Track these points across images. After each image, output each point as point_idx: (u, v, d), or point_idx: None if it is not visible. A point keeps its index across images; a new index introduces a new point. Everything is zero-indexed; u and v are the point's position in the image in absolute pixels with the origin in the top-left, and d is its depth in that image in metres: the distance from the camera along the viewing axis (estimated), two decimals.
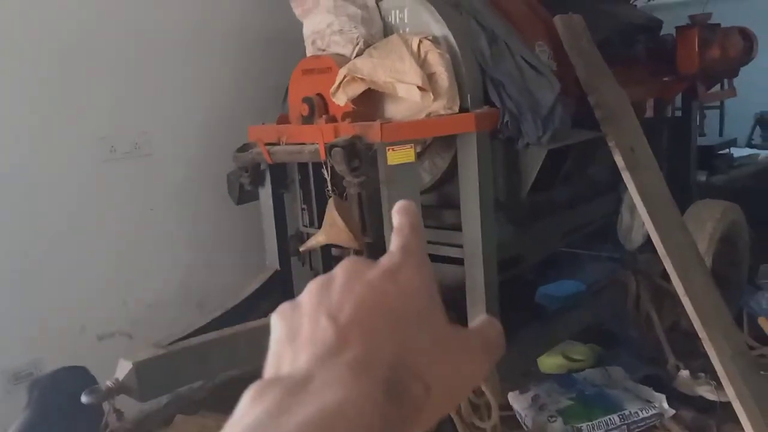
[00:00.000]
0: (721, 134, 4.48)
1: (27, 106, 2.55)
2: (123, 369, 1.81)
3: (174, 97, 2.95)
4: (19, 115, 2.53)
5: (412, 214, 0.48)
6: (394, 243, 0.45)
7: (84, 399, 1.77)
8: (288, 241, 2.66)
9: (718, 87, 3.79)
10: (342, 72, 2.18)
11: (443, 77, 2.16)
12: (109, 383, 1.79)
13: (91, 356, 2.65)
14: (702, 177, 3.71)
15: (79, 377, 2.03)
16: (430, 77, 2.15)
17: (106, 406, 1.91)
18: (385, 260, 0.43)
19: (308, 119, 2.31)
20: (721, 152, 4.14)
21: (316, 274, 2.71)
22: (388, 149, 2.06)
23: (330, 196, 2.19)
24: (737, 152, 4.38)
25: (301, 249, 2.41)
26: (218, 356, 1.98)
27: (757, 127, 5.09)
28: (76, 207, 2.70)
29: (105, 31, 2.72)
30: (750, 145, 4.94)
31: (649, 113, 3.31)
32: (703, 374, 2.91)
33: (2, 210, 2.51)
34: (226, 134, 2.95)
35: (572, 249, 3.46)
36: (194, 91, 3.02)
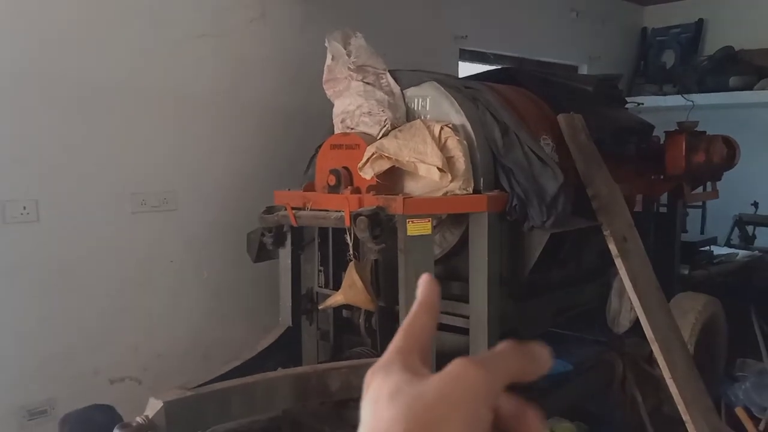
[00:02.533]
0: (702, 232, 4.76)
1: (78, 157, 2.77)
2: (153, 407, 1.93)
3: (202, 158, 3.18)
4: (69, 164, 2.74)
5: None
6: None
7: None
8: (300, 300, 2.82)
9: (701, 189, 4.10)
10: (370, 149, 2.42)
11: (460, 161, 2.40)
12: (139, 419, 1.91)
13: (102, 399, 2.76)
14: (684, 270, 3.94)
15: (106, 414, 2.14)
16: (448, 160, 2.39)
17: None
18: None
19: (334, 189, 2.53)
20: (702, 249, 4.40)
21: (322, 334, 2.87)
22: (409, 221, 2.27)
23: (351, 260, 2.38)
24: (717, 250, 4.64)
25: (321, 306, 2.58)
26: (239, 401, 2.10)
27: (736, 228, 5.39)
28: (102, 253, 2.86)
29: (144, 97, 2.96)
30: (729, 245, 5.22)
31: (638, 208, 3.57)
32: None
33: (29, 251, 2.67)
34: (246, 196, 3.17)
35: (562, 330, 3.64)
36: (220, 155, 3.25)
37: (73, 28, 2.75)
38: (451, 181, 2.40)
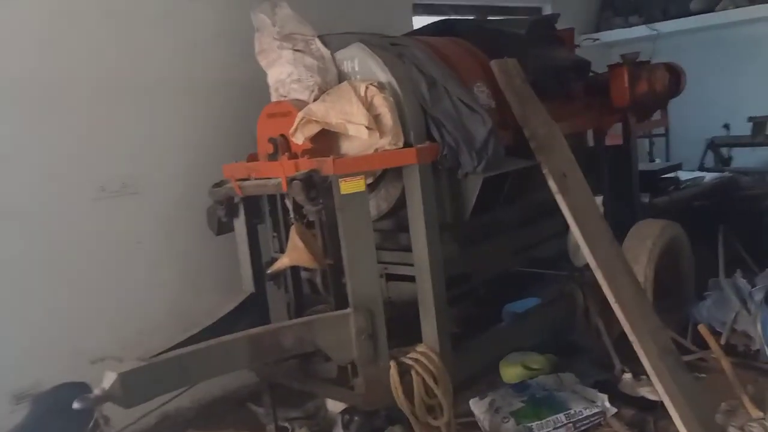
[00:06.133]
0: (667, 159, 4.82)
1: (29, 149, 2.91)
2: (109, 379, 2.08)
3: (158, 139, 3.30)
4: (21, 156, 2.88)
5: None
6: None
7: (75, 405, 2.04)
8: (263, 267, 2.95)
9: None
10: (300, 115, 2.52)
11: (387, 117, 2.49)
12: (96, 391, 2.07)
13: (85, 379, 2.94)
14: (645, 199, 4.02)
15: (77, 391, 2.30)
16: (376, 118, 2.49)
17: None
18: None
19: (273, 156, 2.64)
20: (666, 176, 4.47)
21: (287, 294, 2.99)
22: (341, 180, 2.38)
23: (292, 223, 2.50)
24: (685, 175, 4.71)
25: (269, 271, 2.72)
26: (195, 366, 2.25)
27: (710, 152, 5.43)
28: (70, 241, 3.01)
29: (96, 86, 3.07)
30: (702, 168, 5.27)
31: (590, 142, 3.65)
32: (645, 377, 3.17)
33: (3, 245, 2.82)
34: (206, 172, 3.26)
35: (533, 269, 3.75)
36: (177, 134, 3.37)
37: (24, 26, 2.88)
38: (381, 138, 2.49)
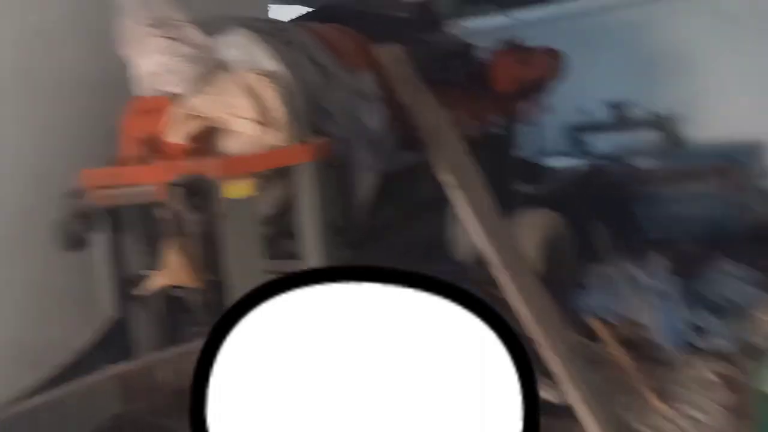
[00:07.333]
0: (539, 148, 4.91)
1: None
2: None
3: None
4: None
5: None
6: None
7: None
8: (127, 287, 2.53)
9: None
10: (177, 110, 2.16)
11: (278, 110, 2.20)
12: None
13: None
14: (524, 188, 4.01)
15: None
16: (265, 111, 2.18)
17: None
18: None
19: (145, 160, 2.24)
20: (539, 163, 4.51)
21: (159, 318, 2.60)
22: (228, 184, 2.06)
23: (169, 236, 2.14)
24: (555, 162, 4.80)
25: (140, 292, 2.33)
26: (49, 419, 1.82)
27: (571, 138, 5.61)
28: None
29: None
30: (564, 155, 5.42)
31: (472, 131, 3.53)
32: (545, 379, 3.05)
33: None
34: (55, 179, 2.77)
35: (411, 266, 3.57)
36: (20, 137, 2.82)
37: None
38: (271, 133, 2.19)
